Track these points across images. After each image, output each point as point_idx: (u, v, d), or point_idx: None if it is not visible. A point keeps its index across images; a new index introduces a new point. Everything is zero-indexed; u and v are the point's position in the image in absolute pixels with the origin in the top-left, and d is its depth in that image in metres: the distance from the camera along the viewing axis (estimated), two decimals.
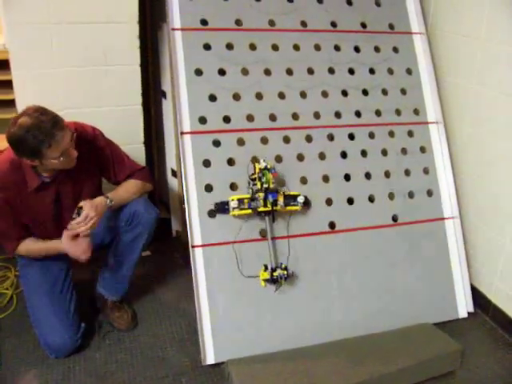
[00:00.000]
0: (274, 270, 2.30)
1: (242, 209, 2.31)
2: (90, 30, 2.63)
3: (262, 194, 2.30)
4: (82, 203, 2.15)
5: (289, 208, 2.36)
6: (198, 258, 2.30)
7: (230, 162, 2.40)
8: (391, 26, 2.77)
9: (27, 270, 2.39)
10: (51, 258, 2.37)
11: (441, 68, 2.80)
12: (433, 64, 2.79)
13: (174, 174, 3.03)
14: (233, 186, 2.38)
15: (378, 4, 2.77)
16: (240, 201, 2.30)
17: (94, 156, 2.29)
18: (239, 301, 2.32)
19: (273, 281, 2.29)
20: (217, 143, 2.39)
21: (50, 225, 2.31)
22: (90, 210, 2.13)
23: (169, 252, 3.11)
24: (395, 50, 2.76)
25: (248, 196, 2.32)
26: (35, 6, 2.49)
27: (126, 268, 2.46)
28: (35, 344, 2.34)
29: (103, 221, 2.31)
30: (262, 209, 2.30)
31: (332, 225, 2.50)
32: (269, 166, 2.31)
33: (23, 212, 2.23)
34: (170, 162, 3.06)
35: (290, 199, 2.36)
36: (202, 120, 2.39)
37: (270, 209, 2.30)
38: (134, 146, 2.83)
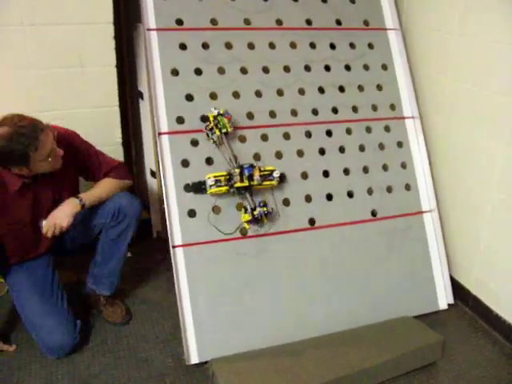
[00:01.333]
0: (253, 210, 2.33)
1: (218, 186, 2.32)
2: (65, 31, 2.61)
3: (237, 170, 2.33)
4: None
5: (265, 183, 2.39)
6: (179, 257, 2.30)
7: (209, 161, 2.40)
8: (366, 23, 2.80)
9: (14, 279, 2.37)
10: (35, 261, 2.37)
11: (416, 63, 2.84)
12: (408, 59, 2.81)
13: (153, 174, 3.02)
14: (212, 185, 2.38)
15: (352, 1, 2.79)
16: (217, 180, 2.32)
17: (71, 156, 2.28)
18: (221, 299, 2.32)
19: (255, 220, 2.33)
20: (195, 143, 2.39)
21: (27, 229, 2.29)
22: (46, 226, 2.20)
23: (150, 253, 3.10)
24: (370, 46, 2.78)
25: (224, 173, 2.34)
26: (5, 7, 2.46)
27: (116, 260, 2.48)
28: (17, 350, 2.33)
29: (80, 222, 2.31)
30: (238, 184, 2.32)
31: (312, 221, 2.52)
32: (221, 111, 2.34)
33: (1, 219, 2.21)
34: (149, 163, 3.05)
35: (266, 175, 2.39)
36: (180, 120, 2.38)
37: (247, 184, 2.33)
38: (111, 148, 2.81)
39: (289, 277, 2.43)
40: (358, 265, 2.55)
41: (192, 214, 2.34)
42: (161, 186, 2.37)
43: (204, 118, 2.39)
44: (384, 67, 2.79)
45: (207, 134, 2.38)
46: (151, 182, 3.09)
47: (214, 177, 2.32)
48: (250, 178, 2.34)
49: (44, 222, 2.22)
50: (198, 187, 2.34)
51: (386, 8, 2.85)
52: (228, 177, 2.33)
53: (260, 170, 2.37)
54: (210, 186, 2.31)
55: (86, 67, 2.70)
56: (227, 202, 2.39)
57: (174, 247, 2.30)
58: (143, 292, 2.80)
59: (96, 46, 2.68)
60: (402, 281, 2.61)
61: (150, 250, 3.13)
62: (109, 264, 2.48)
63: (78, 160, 2.34)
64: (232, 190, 2.34)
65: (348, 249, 2.55)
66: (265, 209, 2.33)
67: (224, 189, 2.33)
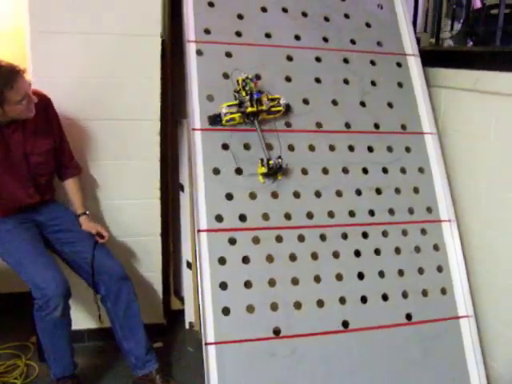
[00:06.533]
0: (269, 160, 2.44)
1: (232, 113, 2.45)
2: (112, 126, 2.75)
3: (247, 97, 2.45)
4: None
5: (273, 109, 2.52)
6: (211, 355, 2.29)
7: (245, 260, 2.43)
8: (403, 127, 2.86)
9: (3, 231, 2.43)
10: (24, 220, 2.48)
11: (452, 167, 2.86)
12: (444, 163, 2.85)
13: (189, 265, 3.05)
14: (247, 284, 2.40)
15: (390, 105, 2.87)
16: (230, 110, 2.46)
17: (46, 119, 2.42)
18: None
19: (269, 171, 2.44)
20: (232, 241, 2.43)
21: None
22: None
23: (181, 344, 3.08)
24: (407, 149, 2.83)
25: (236, 102, 2.48)
26: (64, 103, 2.61)
27: (141, 334, 2.58)
28: None
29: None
30: (249, 109, 2.45)
31: (345, 323, 2.49)
32: (250, 76, 2.47)
33: None
34: (186, 254, 3.09)
35: (275, 104, 2.52)
36: (219, 218, 2.44)
37: (256, 109, 2.44)
38: (150, 238, 2.88)
39: (320, 380, 2.39)
40: (392, 369, 2.49)
41: (226, 311, 2.35)
42: (196, 279, 2.40)
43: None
44: (421, 170, 2.82)
45: (234, 96, 2.50)
46: (187, 273, 3.12)
47: (228, 106, 2.45)
48: (259, 102, 2.43)
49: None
50: (214, 119, 2.49)
51: (423, 112, 2.91)
52: (239, 104, 2.46)
53: (268, 98, 2.48)
54: (225, 114, 2.44)
55: (131, 160, 2.82)
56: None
57: (206, 344, 2.29)
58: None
59: (142, 141, 2.82)
60: None
61: (181, 341, 3.11)
62: (138, 340, 2.57)
63: (51, 127, 2.47)
64: (243, 117, 2.47)
65: (382, 353, 2.50)
66: (280, 160, 2.43)
67: (237, 116, 2.46)
